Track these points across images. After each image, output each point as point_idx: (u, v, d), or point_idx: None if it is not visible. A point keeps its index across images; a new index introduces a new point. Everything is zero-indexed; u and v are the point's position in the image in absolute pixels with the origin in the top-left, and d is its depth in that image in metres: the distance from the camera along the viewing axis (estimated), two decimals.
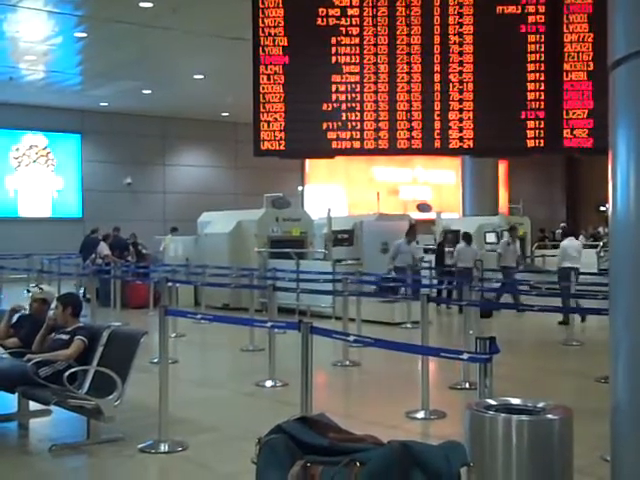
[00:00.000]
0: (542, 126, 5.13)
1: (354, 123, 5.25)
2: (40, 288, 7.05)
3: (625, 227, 2.94)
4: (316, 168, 29.43)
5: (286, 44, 5.26)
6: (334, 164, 26.61)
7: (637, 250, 2.87)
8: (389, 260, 14.44)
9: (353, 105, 5.25)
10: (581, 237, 27.31)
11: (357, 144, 5.26)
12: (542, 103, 5.12)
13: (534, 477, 2.98)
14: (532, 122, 5.15)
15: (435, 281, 15.46)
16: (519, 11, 5.12)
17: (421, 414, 6.73)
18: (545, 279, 15.22)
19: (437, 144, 5.25)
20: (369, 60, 5.24)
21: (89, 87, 22.06)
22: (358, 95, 5.24)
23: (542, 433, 2.98)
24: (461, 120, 5.20)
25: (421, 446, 2.56)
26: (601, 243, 19.20)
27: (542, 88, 5.12)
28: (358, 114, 5.25)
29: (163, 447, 5.65)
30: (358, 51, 5.24)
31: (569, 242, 13.98)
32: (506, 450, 2.97)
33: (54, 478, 5.42)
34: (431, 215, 19.40)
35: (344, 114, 5.24)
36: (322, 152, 5.54)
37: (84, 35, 16.98)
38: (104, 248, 16.98)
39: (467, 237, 15.12)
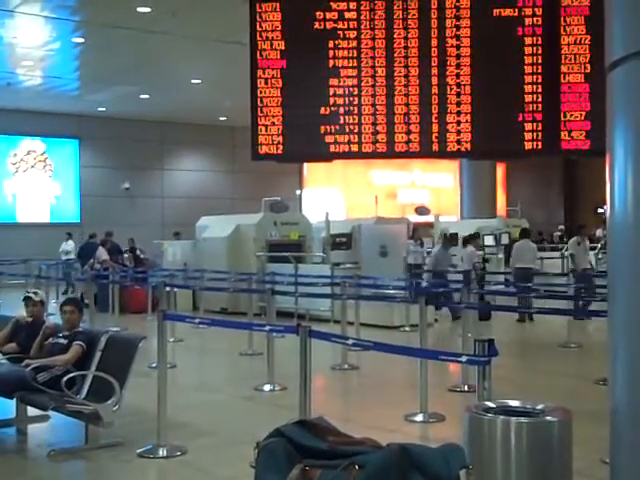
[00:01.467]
0: (540, 128, 5.14)
1: (352, 127, 5.25)
2: (35, 292, 7.04)
3: (623, 229, 2.94)
4: (314, 172, 29.43)
5: (284, 48, 5.27)
6: (332, 168, 26.61)
7: (635, 251, 2.87)
8: (431, 267, 14.46)
9: (351, 109, 5.25)
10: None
11: (355, 147, 5.27)
12: (540, 105, 5.13)
13: (533, 479, 2.97)
14: (530, 124, 5.15)
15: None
16: (516, 14, 5.13)
17: (420, 417, 6.72)
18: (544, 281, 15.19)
19: (435, 147, 5.25)
20: (367, 64, 5.24)
21: (87, 92, 22.06)
22: (356, 99, 5.25)
23: (541, 435, 2.97)
24: (459, 123, 5.21)
25: (420, 449, 2.56)
26: (599, 245, 19.18)
27: (539, 90, 5.13)
28: (356, 117, 5.25)
29: (162, 452, 5.64)
30: (356, 55, 5.25)
31: (522, 244, 14.10)
32: (505, 452, 2.96)
33: None
34: (429, 218, 19.39)
35: (342, 118, 5.25)
36: (320, 156, 5.54)
37: (81, 40, 16.99)
38: (102, 253, 16.96)
39: (468, 239, 15.01)
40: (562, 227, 29.41)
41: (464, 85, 5.19)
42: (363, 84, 5.24)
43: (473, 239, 14.98)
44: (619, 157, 2.92)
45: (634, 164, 2.85)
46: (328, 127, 5.25)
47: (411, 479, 2.44)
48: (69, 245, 21.39)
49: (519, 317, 13.94)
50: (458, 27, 5.17)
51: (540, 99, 5.12)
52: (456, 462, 2.52)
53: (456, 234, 18.55)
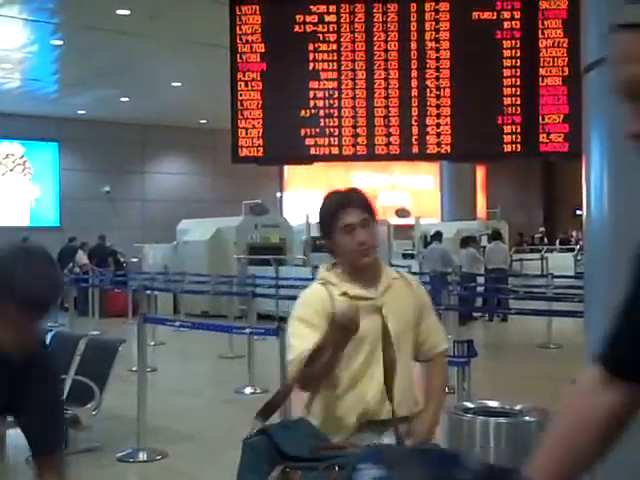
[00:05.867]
0: (518, 131, 5.18)
1: (332, 129, 5.27)
2: None
3: (599, 230, 2.97)
4: (295, 174, 29.42)
5: (264, 51, 5.28)
6: (313, 170, 26.58)
7: (612, 253, 2.90)
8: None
9: (331, 111, 5.27)
10: (557, 242, 27.57)
11: (335, 150, 5.28)
12: (518, 108, 5.17)
13: None
14: (509, 127, 5.19)
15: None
16: (495, 17, 5.17)
17: None
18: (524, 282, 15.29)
19: (415, 150, 5.28)
20: (347, 66, 5.26)
21: (66, 95, 21.91)
22: (336, 101, 5.27)
23: (520, 435, 2.99)
24: (438, 126, 5.24)
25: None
26: (577, 246, 19.34)
27: (518, 93, 5.17)
28: (336, 120, 5.27)
29: (142, 456, 5.60)
30: (336, 57, 5.27)
31: (493, 246, 14.28)
32: (484, 452, 2.98)
33: None
34: (410, 221, 19.44)
35: (322, 120, 5.26)
36: (300, 158, 5.56)
37: (60, 43, 16.87)
38: (82, 257, 16.88)
39: (467, 240, 14.72)
40: (542, 229, 29.62)
41: (443, 88, 5.22)
42: (343, 87, 5.26)
43: (473, 241, 14.97)
44: (595, 159, 2.95)
45: (609, 166, 2.88)
46: (308, 130, 5.26)
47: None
48: None
49: (489, 317, 14.21)
50: (437, 30, 5.20)
51: (519, 102, 5.17)
52: None
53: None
